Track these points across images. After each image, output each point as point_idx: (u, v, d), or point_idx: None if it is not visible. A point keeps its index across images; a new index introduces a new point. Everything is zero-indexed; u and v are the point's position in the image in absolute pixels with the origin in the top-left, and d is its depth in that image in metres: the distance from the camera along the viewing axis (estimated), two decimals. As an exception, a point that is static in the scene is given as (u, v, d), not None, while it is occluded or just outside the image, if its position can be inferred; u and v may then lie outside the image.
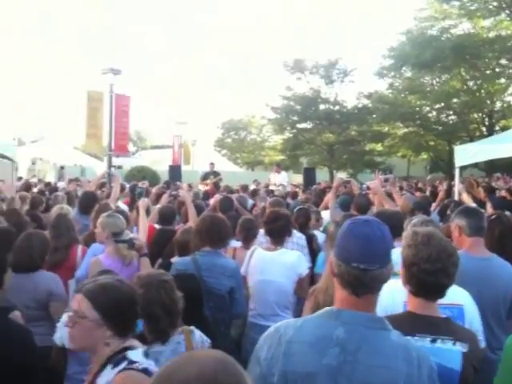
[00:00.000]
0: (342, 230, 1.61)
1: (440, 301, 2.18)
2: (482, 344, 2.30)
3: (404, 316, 1.94)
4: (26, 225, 4.63)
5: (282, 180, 13.72)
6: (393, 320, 1.94)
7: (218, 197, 6.49)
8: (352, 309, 1.54)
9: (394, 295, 2.15)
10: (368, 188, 5.52)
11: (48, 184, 12.52)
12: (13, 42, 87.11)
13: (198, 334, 2.42)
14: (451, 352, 1.81)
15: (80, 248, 4.17)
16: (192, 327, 2.44)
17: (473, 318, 2.25)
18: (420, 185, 14.33)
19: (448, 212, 6.11)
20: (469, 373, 1.81)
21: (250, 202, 7.87)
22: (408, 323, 1.87)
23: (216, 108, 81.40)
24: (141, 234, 4.06)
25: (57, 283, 3.32)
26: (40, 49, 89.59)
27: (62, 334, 2.74)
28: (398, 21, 52.44)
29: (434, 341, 1.82)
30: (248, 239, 4.24)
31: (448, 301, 2.21)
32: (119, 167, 16.02)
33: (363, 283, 1.52)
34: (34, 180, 15.33)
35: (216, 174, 13.72)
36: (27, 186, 10.31)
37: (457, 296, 2.27)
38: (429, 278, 1.85)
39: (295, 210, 5.42)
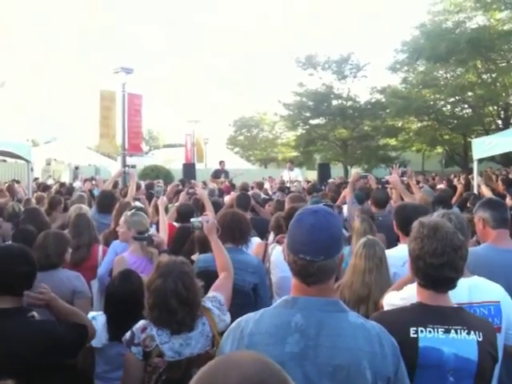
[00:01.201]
0: (292, 220, 1.61)
1: (473, 300, 2.15)
2: None
3: (415, 307, 1.91)
4: (46, 224, 4.65)
5: (296, 177, 13.60)
6: (403, 311, 1.93)
7: (234, 194, 6.47)
8: (306, 296, 1.54)
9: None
10: (387, 182, 5.44)
11: (63, 184, 12.62)
12: (15, 42, 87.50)
13: (216, 309, 2.42)
14: (466, 342, 1.77)
15: (101, 248, 4.17)
16: (207, 304, 2.41)
17: (510, 313, 2.19)
18: (437, 179, 14.16)
19: (468, 205, 6.04)
20: (486, 362, 1.78)
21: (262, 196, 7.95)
22: (419, 314, 1.85)
23: (223, 107, 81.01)
24: (161, 232, 4.06)
25: (80, 281, 3.32)
26: (39, 49, 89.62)
27: None
28: (411, 15, 52.01)
29: (447, 331, 1.79)
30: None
31: (482, 299, 2.17)
32: (133, 166, 16.12)
33: (310, 273, 1.52)
34: (50, 181, 15.45)
35: (226, 172, 13.64)
36: (44, 187, 10.40)
37: (492, 292, 2.22)
38: (435, 273, 1.81)
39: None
